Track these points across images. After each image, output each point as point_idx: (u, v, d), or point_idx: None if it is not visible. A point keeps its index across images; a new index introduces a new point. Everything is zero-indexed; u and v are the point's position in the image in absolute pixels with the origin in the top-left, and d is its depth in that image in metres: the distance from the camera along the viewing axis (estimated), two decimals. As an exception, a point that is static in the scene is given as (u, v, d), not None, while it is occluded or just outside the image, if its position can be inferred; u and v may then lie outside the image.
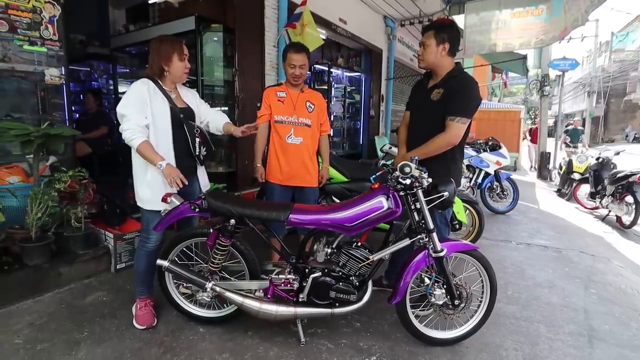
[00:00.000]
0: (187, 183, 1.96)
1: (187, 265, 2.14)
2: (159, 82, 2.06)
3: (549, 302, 2.67)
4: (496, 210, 5.22)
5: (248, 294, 2.01)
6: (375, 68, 8.03)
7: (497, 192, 5.17)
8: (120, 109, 1.93)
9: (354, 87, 7.84)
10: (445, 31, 2.16)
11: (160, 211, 2.01)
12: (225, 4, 4.35)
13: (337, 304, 1.97)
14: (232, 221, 1.94)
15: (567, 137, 10.26)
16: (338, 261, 1.99)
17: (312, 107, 2.63)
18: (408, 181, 1.83)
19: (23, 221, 2.50)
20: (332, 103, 6.95)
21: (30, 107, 2.89)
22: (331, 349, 2.01)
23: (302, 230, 2.28)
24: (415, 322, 2.04)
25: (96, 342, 2.00)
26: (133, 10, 5.54)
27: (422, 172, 1.83)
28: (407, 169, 1.79)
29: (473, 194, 4.99)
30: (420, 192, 1.86)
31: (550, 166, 9.83)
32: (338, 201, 2.94)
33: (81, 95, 5.97)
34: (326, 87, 6.68)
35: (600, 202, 5.90)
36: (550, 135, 10.94)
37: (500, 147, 5.15)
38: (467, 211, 3.55)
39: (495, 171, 5.02)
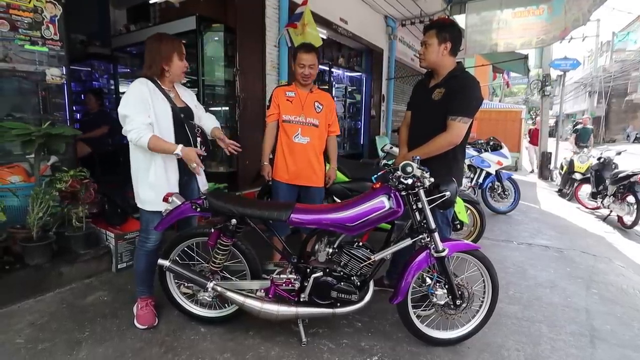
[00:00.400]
0: (202, 167, 1.97)
1: (189, 265, 2.14)
2: (158, 81, 2.03)
3: (550, 302, 2.66)
4: (497, 210, 5.21)
5: (249, 294, 2.00)
6: (376, 68, 8.03)
7: (499, 192, 5.16)
8: (121, 109, 1.90)
9: (354, 87, 7.83)
10: (447, 30, 2.15)
11: (161, 211, 2.01)
12: (226, 3, 4.35)
13: (338, 304, 1.97)
14: (234, 221, 1.94)
15: (576, 137, 9.75)
16: (339, 261, 1.99)
17: (321, 107, 2.63)
18: (410, 181, 1.82)
19: (24, 221, 2.50)
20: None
21: (32, 106, 2.89)
22: (332, 349, 2.00)
23: (305, 230, 2.28)
24: (416, 322, 2.03)
25: (97, 342, 2.00)
26: (134, 10, 5.55)
27: (424, 172, 1.83)
28: (408, 169, 1.79)
29: (474, 193, 4.98)
30: (421, 192, 1.85)
31: (552, 166, 9.80)
32: (339, 201, 2.94)
33: (82, 96, 5.98)
34: (327, 87, 6.68)
35: (601, 202, 5.89)
36: (551, 135, 10.84)
37: (501, 147, 5.14)
38: (469, 211, 3.54)
39: (496, 171, 5.02)
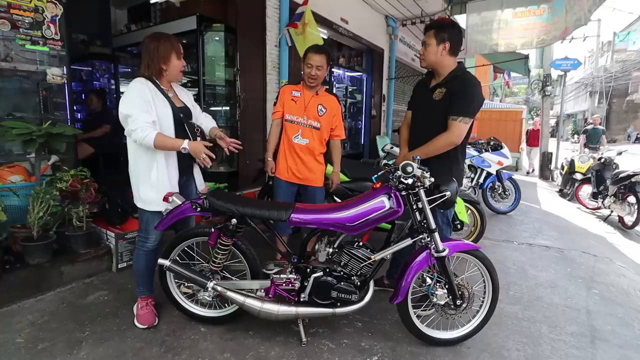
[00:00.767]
0: (214, 157, 1.94)
1: (189, 264, 2.14)
2: (157, 81, 2.02)
3: (551, 303, 2.66)
4: (498, 210, 5.21)
5: (249, 294, 2.00)
6: (377, 68, 8.03)
7: (499, 192, 5.16)
8: (123, 109, 1.86)
9: (355, 87, 7.84)
10: (445, 30, 2.15)
11: (160, 211, 2.01)
12: (226, 3, 4.36)
13: (338, 304, 1.97)
14: (234, 220, 1.94)
15: (586, 138, 9.06)
16: (339, 261, 1.99)
17: (324, 110, 2.64)
18: (410, 181, 1.82)
19: (25, 220, 2.50)
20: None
21: (32, 106, 2.90)
22: (333, 349, 2.00)
23: (307, 230, 2.29)
24: (417, 322, 2.03)
25: (97, 342, 2.00)
26: (135, 9, 5.56)
27: (424, 172, 1.82)
28: (409, 169, 1.79)
29: (475, 194, 4.98)
30: (422, 192, 1.85)
31: (552, 166, 9.79)
32: (340, 201, 2.94)
33: (83, 95, 5.99)
34: (327, 87, 6.66)
35: (602, 202, 5.88)
36: (552, 135, 10.81)
37: (502, 147, 5.14)
38: (469, 211, 3.54)
39: (497, 171, 5.02)
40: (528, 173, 10.88)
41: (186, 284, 2.11)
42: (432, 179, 1.85)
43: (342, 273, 1.98)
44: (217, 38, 4.33)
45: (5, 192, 2.53)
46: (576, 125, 33.01)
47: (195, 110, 2.27)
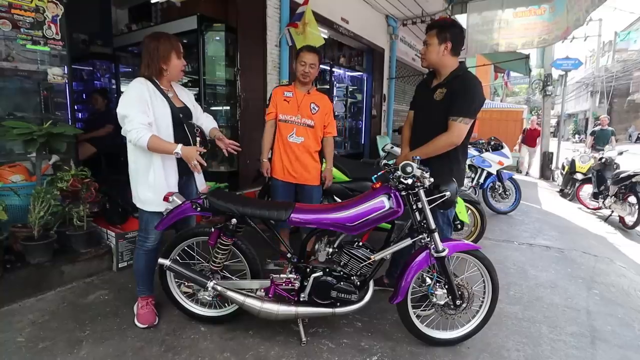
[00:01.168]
0: (204, 164, 1.96)
1: (189, 264, 2.15)
2: (156, 81, 2.02)
3: (551, 303, 2.66)
4: (498, 210, 5.21)
5: (249, 294, 2.01)
6: (377, 67, 8.02)
7: (499, 192, 5.16)
8: (121, 109, 1.88)
9: (356, 87, 7.83)
10: (447, 30, 2.14)
11: (160, 212, 2.01)
12: (227, 3, 4.36)
13: (338, 304, 1.97)
14: (234, 220, 1.94)
15: (593, 139, 8.55)
16: (339, 261, 1.99)
17: (317, 108, 2.69)
18: (410, 181, 1.82)
19: (26, 220, 2.51)
20: (334, 103, 6.95)
21: (33, 106, 2.91)
22: (332, 349, 2.01)
23: (306, 230, 2.29)
24: (416, 322, 2.03)
25: (98, 341, 2.00)
26: (136, 9, 5.56)
27: (424, 172, 1.82)
28: (408, 169, 1.79)
29: (475, 194, 4.97)
30: (421, 192, 1.85)
31: (553, 166, 9.77)
32: (340, 201, 2.94)
33: (83, 95, 6.00)
34: (328, 87, 6.68)
35: (603, 202, 5.87)
36: (553, 135, 10.71)
37: (502, 147, 5.13)
38: (469, 211, 3.54)
39: (497, 171, 5.01)
40: (520, 172, 10.32)
41: (186, 283, 2.11)
42: (432, 179, 1.85)
43: (341, 273, 1.98)
44: (217, 38, 4.34)
45: (6, 191, 2.54)
46: (577, 125, 32.97)
47: (197, 111, 2.27)
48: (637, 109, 25.33)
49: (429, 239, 1.92)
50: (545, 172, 9.74)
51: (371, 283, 2.01)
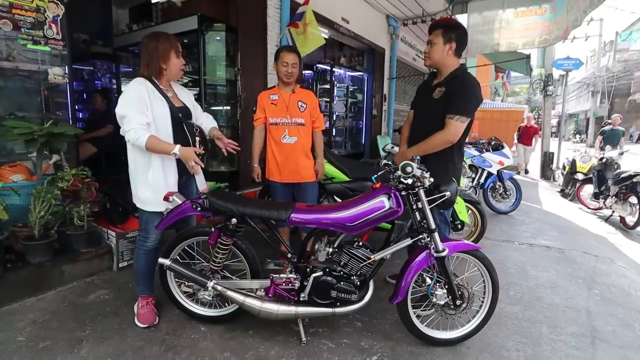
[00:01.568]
0: (202, 165, 1.97)
1: (189, 264, 2.15)
2: (156, 81, 2.02)
3: (551, 303, 2.66)
4: (499, 210, 5.20)
5: (249, 293, 2.01)
6: (378, 67, 8.02)
7: (500, 192, 5.15)
8: (119, 110, 1.88)
9: (356, 87, 7.83)
10: (453, 31, 2.17)
11: (159, 211, 2.01)
12: (228, 3, 4.36)
13: (338, 304, 1.97)
14: (234, 220, 1.95)
15: (602, 140, 8.19)
16: (339, 261, 1.99)
17: (304, 106, 2.73)
18: (410, 181, 1.82)
19: (26, 219, 2.51)
20: (335, 102, 6.95)
21: (34, 105, 2.91)
22: (332, 349, 2.01)
23: (306, 230, 2.30)
24: (416, 322, 2.03)
25: (98, 340, 2.01)
26: (136, 9, 5.57)
27: (424, 172, 1.82)
28: (408, 169, 1.79)
29: (475, 193, 4.97)
30: (421, 192, 1.86)
31: (554, 166, 9.75)
32: (340, 200, 2.94)
33: (84, 95, 6.01)
34: (328, 87, 6.68)
35: (603, 202, 5.86)
36: (555, 135, 10.64)
37: (502, 147, 5.13)
38: (470, 211, 3.54)
39: (497, 171, 5.01)
40: (518, 172, 9.70)
41: (186, 283, 2.11)
42: (432, 179, 1.85)
43: (341, 273, 1.98)
44: (218, 38, 4.34)
45: (7, 191, 2.54)
46: (578, 125, 32.93)
47: (196, 110, 2.27)
48: (638, 109, 25.29)
49: (429, 239, 1.92)
50: (546, 172, 9.73)
51: (371, 283, 2.01)
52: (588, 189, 6.50)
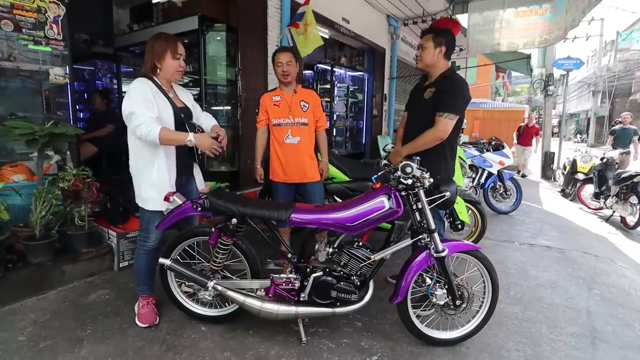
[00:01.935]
0: (224, 148, 1.99)
1: (189, 264, 2.15)
2: (157, 81, 2.03)
3: (551, 303, 2.66)
4: (499, 210, 5.20)
5: (249, 293, 2.01)
6: (379, 67, 8.03)
7: (500, 192, 5.15)
8: (127, 107, 1.88)
9: (356, 87, 7.83)
10: (442, 35, 2.32)
11: (161, 211, 2.02)
12: (228, 3, 4.36)
13: (338, 304, 1.97)
14: (234, 220, 1.95)
15: (614, 139, 7.87)
16: (339, 261, 1.99)
17: (307, 105, 2.73)
18: (409, 181, 1.83)
19: (27, 219, 2.52)
20: (335, 102, 6.95)
21: (35, 106, 2.92)
22: (332, 349, 2.01)
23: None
24: (416, 322, 2.03)
25: (99, 340, 2.01)
26: (137, 9, 5.58)
27: (424, 172, 1.83)
28: (408, 169, 1.79)
29: (476, 193, 4.97)
30: (421, 192, 1.86)
31: (554, 166, 9.74)
32: (340, 201, 2.95)
33: (85, 95, 6.02)
34: (329, 87, 6.68)
35: (604, 202, 5.86)
36: (553, 134, 10.57)
37: (503, 147, 5.14)
38: (470, 211, 3.54)
39: (498, 171, 5.01)
40: (519, 172, 9.32)
41: (187, 283, 2.12)
42: (431, 180, 1.86)
43: (341, 273, 1.98)
44: (218, 38, 4.35)
45: (8, 191, 2.55)
46: (579, 124, 32.88)
47: (196, 110, 2.28)
48: (639, 109, 25.24)
49: (428, 239, 1.92)
50: (547, 172, 9.71)
51: (371, 283, 2.01)
52: (589, 189, 6.50)
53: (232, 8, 4.32)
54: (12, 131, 2.47)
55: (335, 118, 7.03)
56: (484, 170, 5.03)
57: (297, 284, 2.00)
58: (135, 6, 5.60)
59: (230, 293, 1.99)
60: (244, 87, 4.38)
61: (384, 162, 2.26)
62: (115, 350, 1.93)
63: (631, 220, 5.27)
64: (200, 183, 2.29)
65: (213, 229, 2.04)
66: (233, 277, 2.14)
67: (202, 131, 2.19)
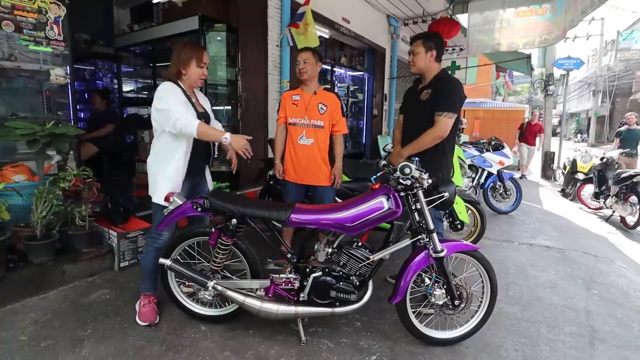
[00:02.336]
0: (252, 154, 2.05)
1: (190, 264, 2.16)
2: (182, 86, 2.09)
3: (550, 303, 2.66)
4: (499, 210, 5.21)
5: (249, 293, 2.02)
6: (379, 67, 8.03)
7: (500, 192, 5.16)
8: (161, 105, 1.94)
9: (357, 87, 7.84)
10: (431, 40, 2.42)
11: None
12: (228, 3, 4.37)
13: (337, 304, 1.98)
14: (234, 220, 1.96)
15: (620, 141, 7.50)
16: (339, 261, 2.00)
17: (325, 108, 2.71)
18: (408, 182, 1.84)
19: (28, 219, 2.53)
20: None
21: (36, 106, 2.92)
22: (332, 348, 2.02)
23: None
24: (415, 322, 2.04)
25: (99, 340, 2.02)
26: (137, 9, 5.59)
27: (422, 173, 1.84)
28: (407, 170, 1.80)
29: (476, 193, 4.98)
30: (420, 193, 1.87)
31: (554, 166, 9.73)
32: (340, 201, 2.95)
33: (85, 95, 6.03)
34: (329, 86, 6.69)
35: (604, 202, 5.86)
36: (553, 134, 10.55)
37: (503, 147, 5.14)
38: (469, 211, 3.55)
39: (498, 171, 5.02)
40: (519, 169, 9.16)
41: (187, 283, 2.13)
42: (430, 180, 1.87)
43: (341, 273, 1.99)
44: (218, 38, 4.36)
45: (9, 191, 2.56)
46: (579, 124, 32.86)
47: (211, 117, 2.33)
48: (639, 108, 25.21)
49: (427, 239, 1.93)
50: (547, 172, 9.71)
51: (370, 283, 2.02)
52: (588, 189, 6.50)
53: (232, 8, 4.33)
54: (13, 131, 2.48)
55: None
56: (483, 170, 5.04)
57: (297, 284, 2.01)
58: (135, 6, 5.61)
59: (230, 293, 2.00)
60: (244, 87, 4.39)
61: (383, 162, 2.28)
62: (116, 350, 1.94)
63: (631, 220, 5.27)
64: (210, 184, 2.35)
65: (213, 230, 2.05)
66: (233, 277, 2.15)
67: None
